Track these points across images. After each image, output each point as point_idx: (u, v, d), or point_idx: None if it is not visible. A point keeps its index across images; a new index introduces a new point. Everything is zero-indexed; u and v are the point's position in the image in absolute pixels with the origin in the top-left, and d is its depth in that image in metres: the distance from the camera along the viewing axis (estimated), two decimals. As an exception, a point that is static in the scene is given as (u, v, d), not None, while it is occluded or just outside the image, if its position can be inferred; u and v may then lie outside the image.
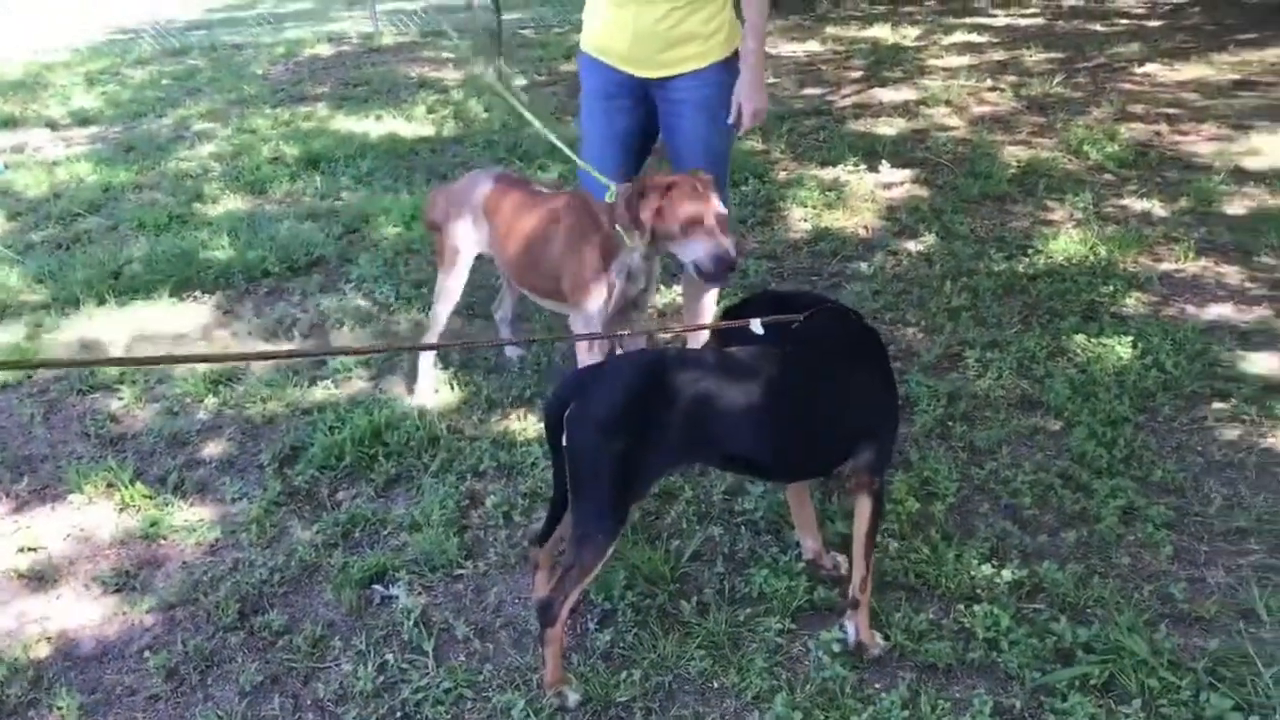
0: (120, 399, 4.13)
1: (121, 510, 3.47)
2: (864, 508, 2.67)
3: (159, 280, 5.08)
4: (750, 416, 2.52)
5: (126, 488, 3.53)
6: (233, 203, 6.28)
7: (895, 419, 2.84)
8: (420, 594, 3.00)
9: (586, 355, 3.48)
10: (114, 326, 4.73)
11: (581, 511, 2.50)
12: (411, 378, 4.06)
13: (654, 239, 3.19)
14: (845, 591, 2.77)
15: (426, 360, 3.98)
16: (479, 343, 4.22)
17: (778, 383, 2.54)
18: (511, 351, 4.28)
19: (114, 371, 4.29)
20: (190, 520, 3.40)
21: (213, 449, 3.79)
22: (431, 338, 3.97)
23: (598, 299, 3.38)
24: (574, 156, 3.67)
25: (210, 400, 4.08)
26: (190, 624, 2.96)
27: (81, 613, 3.03)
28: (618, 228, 3.28)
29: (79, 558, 3.26)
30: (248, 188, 6.51)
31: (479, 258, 3.90)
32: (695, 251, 3.13)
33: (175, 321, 4.78)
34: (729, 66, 3.50)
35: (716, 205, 3.13)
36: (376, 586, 3.05)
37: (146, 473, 3.67)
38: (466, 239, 3.78)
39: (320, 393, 4.09)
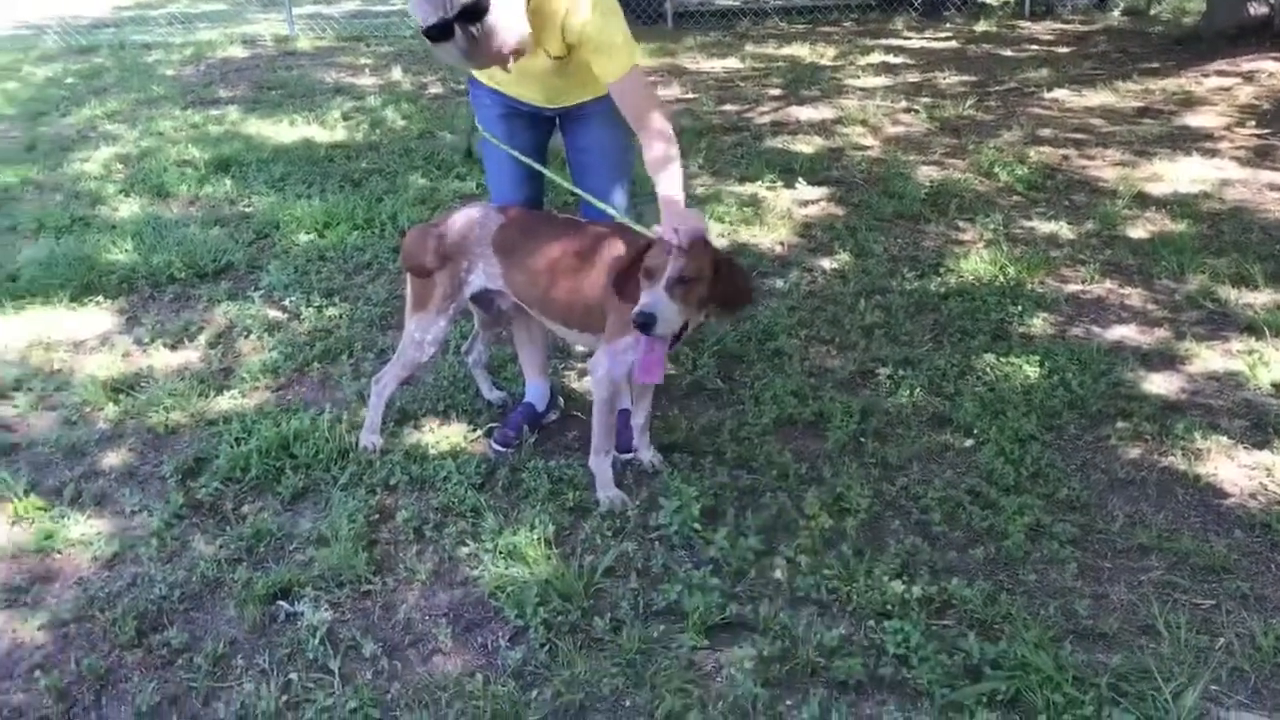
0: (15, 407, 3.98)
1: (14, 523, 3.33)
2: None
3: (58, 284, 4.93)
4: None
5: (19, 499, 3.39)
6: (138, 206, 6.11)
7: None
8: (326, 610, 2.92)
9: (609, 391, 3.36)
10: (9, 331, 4.57)
11: None
12: (323, 389, 3.97)
13: None
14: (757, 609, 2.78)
15: (379, 398, 3.66)
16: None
17: None
18: (494, 396, 4.01)
19: (8, 378, 4.14)
20: (87, 534, 3.28)
21: (112, 460, 3.67)
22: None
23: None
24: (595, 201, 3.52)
25: (111, 409, 3.95)
26: (84, 642, 2.84)
27: (-33, 630, 2.90)
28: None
29: (-34, 573, 3.12)
30: (154, 191, 6.34)
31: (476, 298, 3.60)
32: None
33: (74, 327, 4.63)
34: None
35: (673, 251, 2.99)
36: (281, 603, 2.96)
37: (41, 484, 3.53)
38: (469, 280, 3.48)
39: (226, 403, 3.98)
